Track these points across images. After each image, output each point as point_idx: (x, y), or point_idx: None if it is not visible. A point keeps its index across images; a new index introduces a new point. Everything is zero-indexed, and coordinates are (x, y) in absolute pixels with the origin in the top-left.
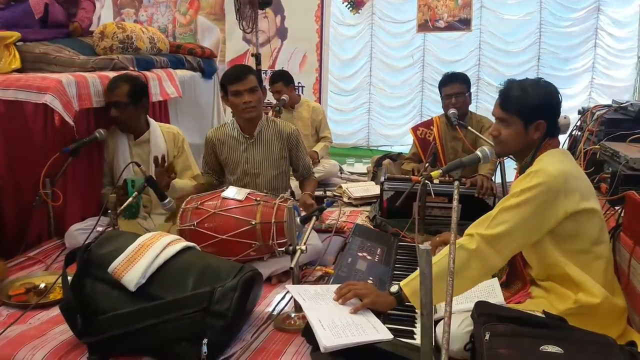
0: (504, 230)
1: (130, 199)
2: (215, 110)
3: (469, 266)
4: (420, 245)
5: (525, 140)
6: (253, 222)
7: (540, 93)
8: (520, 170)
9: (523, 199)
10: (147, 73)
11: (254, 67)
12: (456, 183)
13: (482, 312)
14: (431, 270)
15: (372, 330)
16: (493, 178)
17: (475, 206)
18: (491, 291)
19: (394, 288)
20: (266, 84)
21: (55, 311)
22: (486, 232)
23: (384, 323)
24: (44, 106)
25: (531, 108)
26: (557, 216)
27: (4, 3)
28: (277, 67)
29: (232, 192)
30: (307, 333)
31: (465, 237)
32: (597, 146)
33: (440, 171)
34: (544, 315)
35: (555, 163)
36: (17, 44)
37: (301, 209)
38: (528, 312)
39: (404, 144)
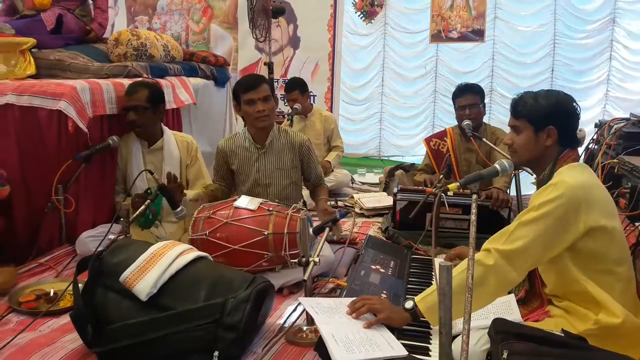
0: (522, 245)
1: (143, 207)
2: (228, 118)
3: (486, 282)
4: (439, 261)
5: (538, 147)
6: (265, 233)
7: (551, 99)
8: (539, 184)
9: (542, 212)
10: (161, 80)
11: (266, 75)
12: (474, 197)
13: (500, 329)
14: (451, 288)
15: (386, 346)
16: (508, 191)
17: (490, 218)
18: (507, 307)
19: (408, 304)
20: (279, 92)
21: (66, 319)
22: (504, 247)
23: (398, 339)
24: (58, 112)
25: (541, 113)
26: (578, 230)
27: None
28: (289, 76)
29: (244, 202)
30: (320, 348)
31: (482, 252)
32: (615, 160)
33: (457, 184)
34: (563, 334)
35: (576, 175)
36: (32, 50)
37: (315, 216)
38: (547, 331)
39: (416, 155)
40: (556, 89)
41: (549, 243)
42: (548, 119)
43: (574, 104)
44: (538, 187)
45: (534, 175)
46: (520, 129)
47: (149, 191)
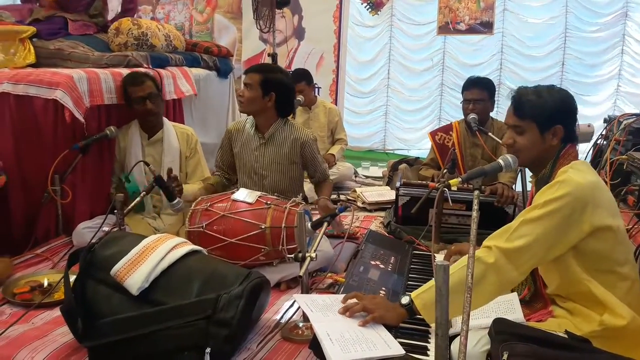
0: (525, 244)
1: (138, 199)
2: (231, 109)
3: (485, 280)
4: (437, 258)
5: (542, 147)
6: (263, 226)
7: (556, 96)
8: (537, 183)
9: (547, 210)
10: (162, 71)
11: None
12: (476, 193)
13: (501, 330)
14: (448, 287)
15: (383, 344)
16: (514, 186)
17: (495, 215)
18: (510, 306)
19: (404, 299)
20: None
21: (59, 311)
22: (505, 245)
23: (395, 337)
24: (54, 102)
25: (547, 112)
26: (582, 230)
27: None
28: (293, 68)
29: (242, 195)
30: (315, 346)
31: (483, 249)
32: (624, 156)
33: (459, 179)
34: (566, 336)
35: (583, 174)
36: (33, 39)
37: (315, 210)
38: (550, 331)
39: (421, 149)
40: (566, 83)
41: (553, 242)
42: (555, 119)
43: (574, 100)
44: (537, 186)
45: (532, 174)
46: (524, 129)
47: (129, 178)
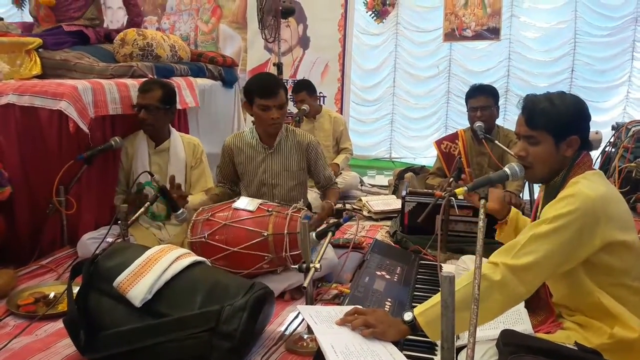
0: (532, 261)
1: (142, 209)
2: (236, 119)
3: (490, 298)
4: (443, 269)
5: (557, 159)
6: (265, 234)
7: (570, 104)
8: (546, 190)
9: (555, 226)
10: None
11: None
12: (482, 202)
13: (509, 341)
14: (454, 300)
15: (389, 357)
16: (521, 195)
17: None
18: (518, 317)
19: (407, 316)
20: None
21: (62, 323)
22: (512, 262)
23: (401, 350)
24: (59, 113)
25: (562, 122)
26: (593, 245)
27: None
28: (298, 77)
29: (243, 203)
30: (319, 358)
31: (489, 265)
32: (632, 164)
33: (465, 188)
34: (575, 347)
35: (595, 186)
36: (39, 50)
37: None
38: (559, 343)
39: (427, 157)
40: (576, 89)
41: (561, 259)
42: (571, 129)
43: (587, 107)
44: (546, 193)
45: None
46: (537, 140)
47: (142, 188)
